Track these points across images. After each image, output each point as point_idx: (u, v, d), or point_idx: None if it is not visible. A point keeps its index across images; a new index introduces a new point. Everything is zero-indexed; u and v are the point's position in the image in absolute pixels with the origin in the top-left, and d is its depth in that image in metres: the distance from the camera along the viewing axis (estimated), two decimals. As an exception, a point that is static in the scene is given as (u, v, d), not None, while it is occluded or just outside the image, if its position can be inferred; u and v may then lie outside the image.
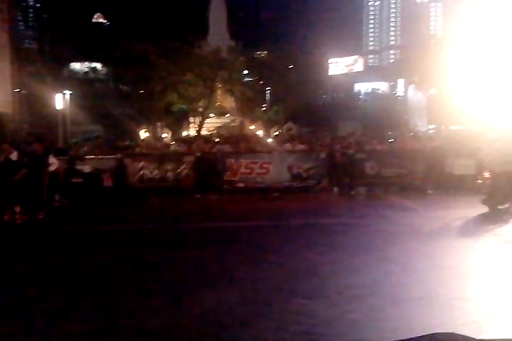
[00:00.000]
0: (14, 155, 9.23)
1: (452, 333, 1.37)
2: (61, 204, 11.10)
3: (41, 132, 21.90)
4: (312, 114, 40.22)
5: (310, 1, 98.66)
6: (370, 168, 12.78)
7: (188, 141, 20.12)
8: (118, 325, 4.07)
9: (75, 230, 8.55)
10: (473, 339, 1.36)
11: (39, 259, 6.50)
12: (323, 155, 13.25)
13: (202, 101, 36.11)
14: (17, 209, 8.73)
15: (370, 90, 64.20)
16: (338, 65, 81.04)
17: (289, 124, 35.59)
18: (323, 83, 49.96)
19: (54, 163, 10.24)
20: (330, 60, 75.32)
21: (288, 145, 14.87)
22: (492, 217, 8.91)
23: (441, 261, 5.91)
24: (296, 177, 13.10)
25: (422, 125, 47.88)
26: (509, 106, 16.27)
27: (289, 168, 13.13)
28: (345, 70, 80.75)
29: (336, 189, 12.88)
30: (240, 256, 6.40)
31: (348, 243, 7.10)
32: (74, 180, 11.59)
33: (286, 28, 79.22)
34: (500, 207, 9.30)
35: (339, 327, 3.97)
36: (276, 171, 13.17)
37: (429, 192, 12.31)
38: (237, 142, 17.05)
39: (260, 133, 36.80)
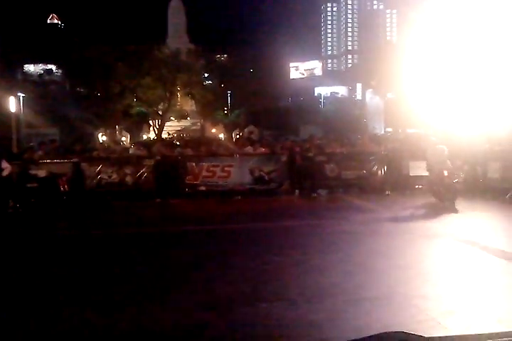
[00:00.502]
0: None
1: (402, 332, 1.39)
2: (15, 210, 10.67)
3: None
4: (273, 117, 40.50)
5: (270, 7, 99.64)
6: (330, 170, 12.96)
7: (148, 144, 19.80)
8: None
9: (29, 236, 8.22)
10: (422, 337, 1.39)
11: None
12: (284, 158, 13.33)
13: (161, 104, 35.71)
14: None
15: (329, 94, 65.33)
16: (299, 69, 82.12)
17: (251, 127, 35.68)
18: (284, 87, 50.37)
19: (7, 167, 9.85)
20: (291, 64, 76.21)
21: (249, 149, 14.89)
22: (447, 217, 9.20)
23: (399, 261, 6.03)
24: (258, 180, 13.12)
25: (380, 128, 49.11)
26: (457, 109, 16.94)
27: (251, 171, 13.13)
28: (305, 74, 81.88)
29: (297, 191, 12.98)
30: (201, 260, 6.32)
31: (310, 244, 7.15)
32: (28, 185, 11.16)
33: (247, 32, 79.68)
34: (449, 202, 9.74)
35: (300, 328, 3.98)
36: (238, 174, 13.15)
37: (387, 193, 12.58)
38: (198, 145, 16.93)
39: (221, 136, 36.71)
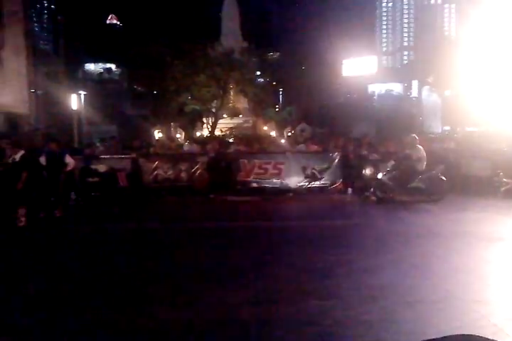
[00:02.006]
0: (18, 155, 9.24)
1: (474, 335, 1.36)
2: (76, 203, 11.20)
3: (55, 132, 22.14)
4: (325, 115, 40.11)
5: (324, 3, 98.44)
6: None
7: (202, 141, 20.17)
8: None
9: (90, 229, 8.63)
10: None
11: (55, 257, 6.59)
12: (336, 157, 13.20)
13: (215, 101, 36.19)
14: (21, 211, 8.74)
15: (383, 91, 63.88)
16: (352, 66, 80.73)
17: (302, 125, 35.54)
18: (337, 84, 49.79)
19: (70, 162, 10.34)
20: (344, 61, 75.09)
21: (302, 146, 14.87)
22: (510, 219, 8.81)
23: (458, 264, 5.84)
24: (309, 177, 13.08)
25: (437, 126, 47.52)
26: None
27: (303, 169, 13.11)
28: (358, 71, 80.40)
29: (350, 190, 12.83)
30: (253, 257, 6.40)
31: (362, 244, 7.07)
32: (89, 180, 11.69)
33: (300, 29, 79.06)
34: None
35: (352, 328, 3.96)
36: (289, 172, 13.16)
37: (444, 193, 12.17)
38: (251, 142, 17.09)
39: (273, 133, 36.76)
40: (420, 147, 11.23)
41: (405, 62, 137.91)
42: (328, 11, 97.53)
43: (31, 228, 8.56)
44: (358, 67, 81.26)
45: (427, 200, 10.86)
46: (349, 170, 12.85)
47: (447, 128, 45.16)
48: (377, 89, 68.02)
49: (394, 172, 11.18)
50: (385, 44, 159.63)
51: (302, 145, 15.06)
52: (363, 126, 30.38)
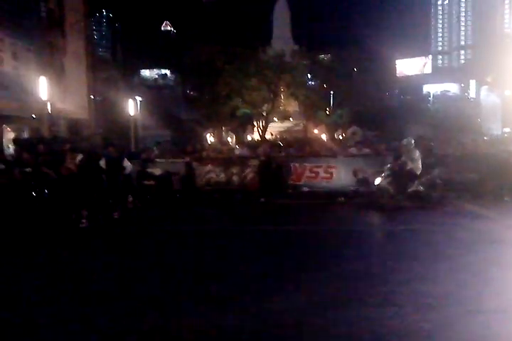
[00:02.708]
0: (77, 160, 9.70)
1: None
2: (134, 205, 11.62)
3: (114, 137, 23.02)
4: (378, 117, 39.36)
5: (375, 2, 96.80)
6: (440, 173, 12.31)
7: (253, 145, 20.35)
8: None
9: (147, 230, 8.95)
10: None
11: (117, 257, 6.89)
12: (389, 160, 12.93)
13: (265, 105, 36.43)
14: (84, 213, 9.16)
15: (439, 92, 61.90)
16: (406, 67, 78.83)
17: (354, 128, 35.03)
18: (390, 85, 48.73)
19: (128, 165, 10.75)
20: (397, 62, 73.43)
21: (353, 150, 14.68)
22: None
23: (521, 273, 5.61)
24: (361, 181, 12.88)
25: (497, 128, 45.49)
26: None
27: (355, 173, 12.93)
28: (412, 72, 78.38)
29: (404, 194, 12.51)
30: (303, 259, 6.41)
31: (420, 250, 6.89)
32: (146, 183, 12.09)
33: (351, 30, 78.16)
34: None
35: (408, 336, 3.89)
36: (341, 175, 13.03)
37: (506, 199, 11.68)
38: (301, 146, 17.05)
39: (324, 136, 36.49)
40: (416, 150, 11.20)
41: (462, 61, 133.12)
42: (381, 10, 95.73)
43: (92, 229, 8.96)
44: (412, 68, 79.24)
45: (427, 204, 10.75)
46: (402, 174, 12.53)
47: (507, 129, 43.15)
48: (432, 89, 65.99)
49: (391, 177, 11.10)
50: (440, 43, 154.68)
51: (353, 148, 14.87)
52: (418, 129, 29.54)
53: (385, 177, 11.18)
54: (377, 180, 11.33)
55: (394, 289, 5.05)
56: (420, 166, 11.10)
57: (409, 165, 10.99)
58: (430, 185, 10.98)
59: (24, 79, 18.99)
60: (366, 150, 14.34)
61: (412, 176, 11.00)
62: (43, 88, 16.95)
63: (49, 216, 8.79)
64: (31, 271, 6.16)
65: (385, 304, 4.59)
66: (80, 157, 9.75)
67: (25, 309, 4.66)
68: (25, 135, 20.82)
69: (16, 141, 13.79)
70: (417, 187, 10.97)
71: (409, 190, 10.95)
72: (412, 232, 8.33)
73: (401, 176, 10.98)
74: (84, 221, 9.07)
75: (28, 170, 9.15)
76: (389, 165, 11.37)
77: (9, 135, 19.44)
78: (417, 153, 11.18)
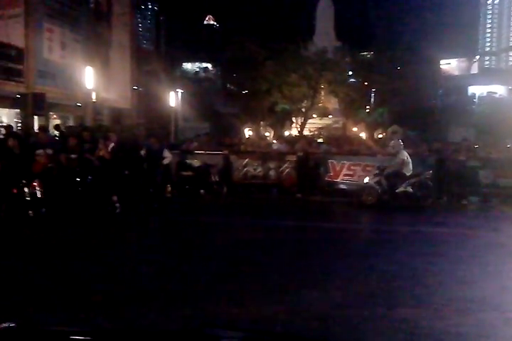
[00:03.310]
0: (109, 148, 10.01)
1: None
2: (172, 195, 11.82)
3: (155, 127, 23.43)
4: (420, 117, 38.45)
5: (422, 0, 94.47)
6: (484, 176, 11.95)
7: (291, 140, 20.29)
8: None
9: (185, 219, 9.11)
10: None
11: (158, 244, 7.09)
12: (431, 161, 12.65)
13: (305, 101, 36.19)
14: (114, 198, 9.38)
15: (485, 94, 59.88)
16: (451, 67, 76.69)
17: (394, 127, 34.34)
18: (434, 85, 47.53)
19: (168, 156, 10.95)
20: (442, 61, 71.42)
21: (391, 148, 14.39)
22: None
23: None
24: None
25: (545, 133, 43.66)
26: None
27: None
28: (458, 72, 76.20)
29: (445, 197, 12.24)
30: (337, 258, 6.39)
31: (456, 254, 6.75)
32: (184, 173, 12.27)
33: (395, 28, 76.60)
34: None
35: (445, 340, 3.83)
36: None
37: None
38: (340, 143, 16.89)
39: (363, 135, 35.99)
40: (404, 151, 11.19)
41: (510, 63, 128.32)
42: (426, 8, 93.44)
43: (131, 217, 9.18)
44: (458, 68, 76.99)
45: (415, 205, 10.72)
46: (445, 176, 12.25)
47: (557, 135, 41.38)
48: (478, 91, 63.91)
49: (380, 176, 11.10)
50: (488, 44, 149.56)
51: (391, 147, 14.58)
52: (462, 131, 28.69)
53: (374, 177, 11.25)
54: (366, 179, 11.41)
55: (429, 291, 4.99)
56: (410, 167, 11.08)
57: (398, 166, 10.99)
58: (420, 187, 10.90)
59: (71, 69, 19.54)
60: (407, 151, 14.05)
61: (400, 176, 11.01)
62: (88, 77, 17.41)
63: (90, 201, 9.06)
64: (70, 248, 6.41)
65: (420, 305, 4.54)
66: (111, 145, 10.01)
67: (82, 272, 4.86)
68: (71, 123, 21.47)
69: (57, 128, 14.22)
70: (405, 187, 10.90)
71: (397, 190, 10.96)
72: (448, 235, 8.15)
73: (388, 176, 11.05)
74: (117, 205, 9.27)
75: (73, 156, 9.45)
76: (378, 165, 11.40)
77: (55, 122, 20.09)
78: (406, 154, 11.18)
